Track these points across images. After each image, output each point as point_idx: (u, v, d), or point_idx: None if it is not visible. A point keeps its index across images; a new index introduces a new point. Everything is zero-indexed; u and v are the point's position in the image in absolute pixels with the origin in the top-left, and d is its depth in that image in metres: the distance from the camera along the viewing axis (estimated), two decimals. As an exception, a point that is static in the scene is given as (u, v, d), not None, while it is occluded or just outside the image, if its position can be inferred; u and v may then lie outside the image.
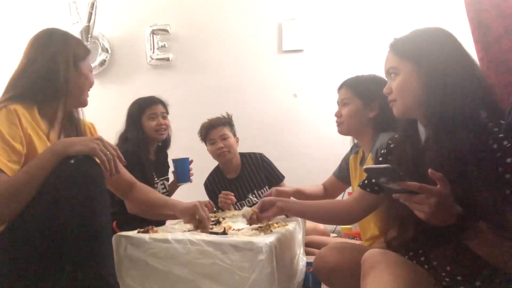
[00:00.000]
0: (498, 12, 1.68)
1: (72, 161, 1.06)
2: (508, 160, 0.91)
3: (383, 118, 1.53)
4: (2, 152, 1.09)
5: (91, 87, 1.39)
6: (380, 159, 1.25)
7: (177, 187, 2.21)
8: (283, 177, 2.35)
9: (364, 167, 0.94)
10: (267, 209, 1.39)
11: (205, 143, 2.33)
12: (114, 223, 1.93)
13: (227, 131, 2.28)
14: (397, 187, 0.88)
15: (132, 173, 1.84)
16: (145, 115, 2.11)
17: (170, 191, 2.22)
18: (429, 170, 0.86)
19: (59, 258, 1.02)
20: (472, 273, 0.98)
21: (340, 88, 1.67)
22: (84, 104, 1.39)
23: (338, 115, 1.64)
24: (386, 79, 1.18)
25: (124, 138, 2.12)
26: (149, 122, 2.10)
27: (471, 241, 0.91)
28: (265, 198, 1.42)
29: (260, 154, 2.40)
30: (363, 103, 1.57)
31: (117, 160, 1.14)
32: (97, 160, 1.12)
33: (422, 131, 1.10)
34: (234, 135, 2.35)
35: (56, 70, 1.27)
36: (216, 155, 2.28)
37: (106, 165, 1.10)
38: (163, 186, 2.18)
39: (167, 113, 2.21)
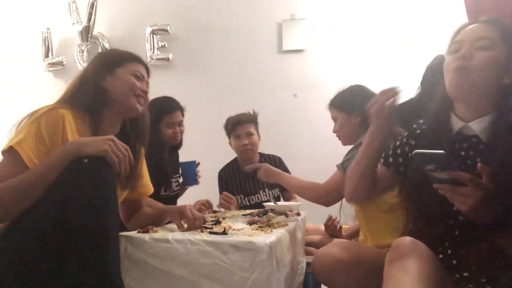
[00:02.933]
0: (498, 12, 1.69)
1: (86, 161, 1.07)
2: None
3: (367, 120, 1.66)
4: (35, 151, 1.12)
5: (135, 90, 1.36)
6: (398, 143, 1.23)
7: (185, 188, 2.24)
8: None
9: (415, 151, 0.90)
10: None
11: (229, 137, 2.38)
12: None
13: (253, 129, 2.34)
14: (444, 176, 0.86)
15: (149, 173, 1.88)
16: (162, 122, 2.09)
17: (180, 190, 2.25)
18: (479, 164, 0.86)
19: (67, 257, 1.03)
20: (499, 274, 0.96)
21: (329, 108, 1.87)
22: (133, 109, 1.37)
23: (334, 130, 1.85)
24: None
25: None
26: (166, 130, 2.10)
27: (504, 241, 0.91)
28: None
29: (279, 158, 2.46)
30: (347, 114, 1.77)
31: (127, 161, 1.14)
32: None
33: (455, 120, 1.09)
34: (258, 133, 2.39)
35: (87, 78, 1.33)
36: (239, 150, 2.34)
37: (117, 167, 1.10)
38: (177, 183, 2.22)
39: (183, 116, 2.20)
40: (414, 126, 1.22)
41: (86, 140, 1.13)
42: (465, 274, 1.00)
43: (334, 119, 1.84)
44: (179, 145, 2.27)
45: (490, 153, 0.98)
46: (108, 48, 1.48)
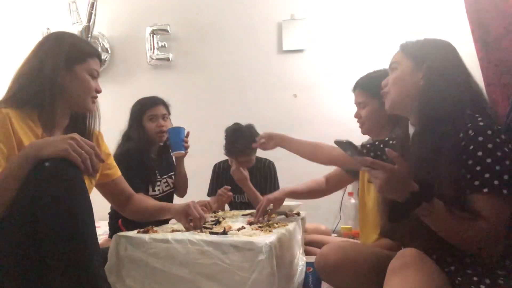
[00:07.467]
0: (498, 12, 1.68)
1: (47, 164, 0.99)
2: (471, 147, 0.99)
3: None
4: None
5: (91, 92, 1.30)
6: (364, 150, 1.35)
7: (183, 172, 2.19)
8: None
9: (335, 139, 1.04)
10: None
11: None
12: (120, 221, 1.93)
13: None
14: (360, 160, 1.00)
15: (134, 171, 1.85)
16: (145, 116, 2.10)
17: (177, 174, 2.19)
18: (386, 150, 0.97)
19: (45, 265, 0.98)
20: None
21: (354, 89, 1.71)
22: (87, 110, 1.33)
23: (357, 116, 1.70)
24: None
25: (127, 137, 2.11)
26: (150, 124, 2.09)
27: (426, 217, 0.97)
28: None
29: (271, 162, 2.46)
30: (378, 103, 1.58)
31: (95, 159, 1.05)
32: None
33: (411, 130, 1.17)
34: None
35: (43, 73, 1.22)
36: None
37: (81, 165, 1.02)
38: (166, 184, 2.18)
39: (169, 113, 2.19)
40: (386, 138, 1.34)
41: (44, 142, 1.05)
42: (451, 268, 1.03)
43: (361, 103, 1.68)
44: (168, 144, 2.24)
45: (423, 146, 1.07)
46: (75, 38, 1.34)
